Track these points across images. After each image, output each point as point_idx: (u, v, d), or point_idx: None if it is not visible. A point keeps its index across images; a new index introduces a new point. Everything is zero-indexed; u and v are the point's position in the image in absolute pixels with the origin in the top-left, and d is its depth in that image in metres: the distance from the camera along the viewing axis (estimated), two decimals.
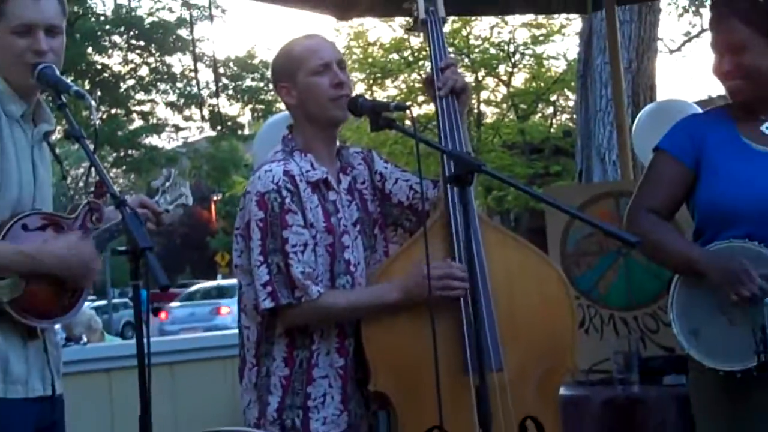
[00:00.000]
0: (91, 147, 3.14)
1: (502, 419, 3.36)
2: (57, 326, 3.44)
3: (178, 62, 28.33)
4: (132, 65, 28.00)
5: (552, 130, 26.10)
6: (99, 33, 26.62)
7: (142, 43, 27.59)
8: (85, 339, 6.55)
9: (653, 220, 3.62)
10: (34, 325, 3.18)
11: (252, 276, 3.41)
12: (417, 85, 26.27)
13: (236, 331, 4.80)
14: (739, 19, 3.48)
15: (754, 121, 3.59)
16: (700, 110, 5.85)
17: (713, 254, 3.46)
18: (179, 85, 28.30)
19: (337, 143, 3.65)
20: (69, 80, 3.25)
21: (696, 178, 3.61)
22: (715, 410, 3.56)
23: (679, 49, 26.48)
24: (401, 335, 3.38)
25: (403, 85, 26.45)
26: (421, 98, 25.25)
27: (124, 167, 28.95)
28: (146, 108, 28.50)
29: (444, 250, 3.40)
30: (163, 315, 28.85)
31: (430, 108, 25.89)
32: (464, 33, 25.12)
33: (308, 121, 3.53)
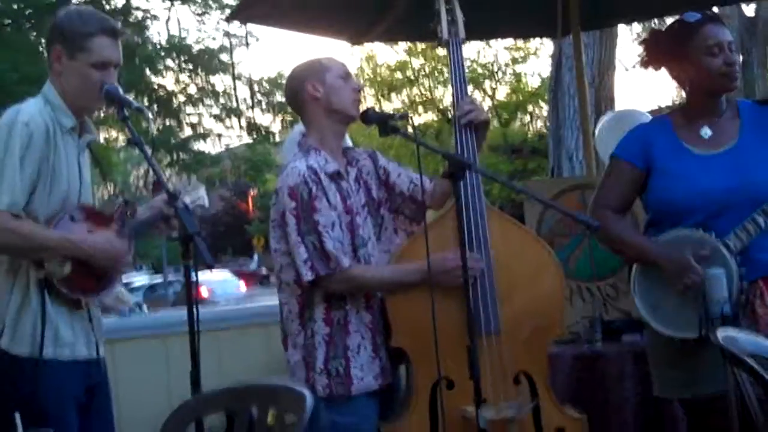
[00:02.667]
0: (149, 151, 3.17)
1: (499, 372, 3.42)
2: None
3: (220, 82, 28.29)
4: (182, 84, 27.96)
5: (529, 135, 26.15)
6: (155, 58, 26.61)
7: (190, 66, 27.54)
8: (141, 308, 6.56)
9: (611, 216, 3.61)
10: (78, 298, 3.21)
11: (290, 257, 3.43)
12: (417, 99, 26.35)
13: (268, 304, 4.76)
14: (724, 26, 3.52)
15: (695, 126, 3.57)
16: (650, 117, 5.85)
17: (663, 247, 3.46)
18: (221, 100, 28.27)
19: (343, 145, 3.67)
20: (131, 97, 3.26)
21: (647, 179, 3.60)
22: (669, 364, 3.56)
23: (633, 67, 26.45)
24: (416, 304, 3.36)
25: (406, 99, 26.56)
26: (420, 109, 25.34)
27: (176, 168, 28.98)
28: (194, 119, 28.46)
29: (454, 235, 3.38)
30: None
31: (428, 117, 26.03)
32: None
33: (327, 115, 3.54)
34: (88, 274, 3.21)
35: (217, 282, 28.12)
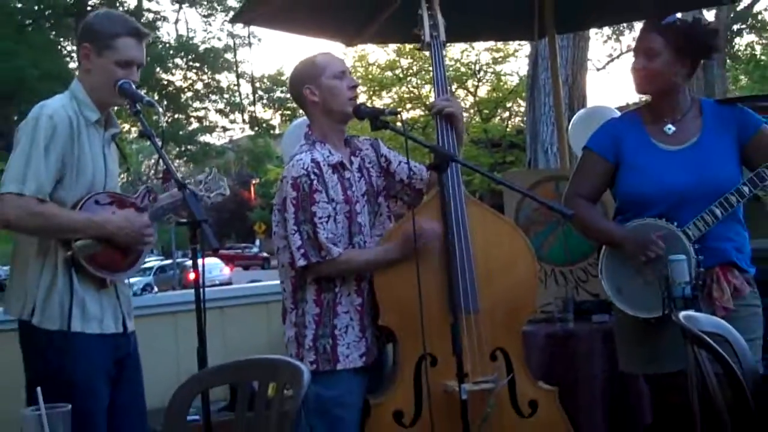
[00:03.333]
0: (159, 143, 3.20)
1: (477, 349, 3.43)
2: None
3: (225, 79, 28.37)
4: (189, 81, 28.00)
5: (508, 130, 26.08)
6: (165, 57, 26.58)
7: (197, 64, 27.58)
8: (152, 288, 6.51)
9: (584, 204, 3.63)
10: (104, 277, 3.22)
11: (287, 241, 3.44)
12: (405, 95, 26.33)
13: (270, 283, 4.75)
14: (659, 34, 3.48)
15: (660, 123, 3.58)
16: (619, 113, 5.85)
17: (628, 231, 3.47)
18: (226, 96, 28.31)
19: (345, 135, 3.67)
20: (142, 92, 3.28)
21: (616, 170, 3.61)
22: (634, 342, 3.57)
23: (604, 67, 26.59)
24: (402, 286, 3.38)
25: (395, 96, 26.53)
26: (408, 106, 25.32)
27: (184, 158, 29.00)
28: (201, 114, 28.54)
29: (438, 219, 3.39)
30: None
31: (415, 113, 25.99)
32: None
33: (326, 115, 3.55)
34: (115, 254, 3.23)
35: (205, 266, 28.17)
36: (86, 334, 3.16)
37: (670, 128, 3.55)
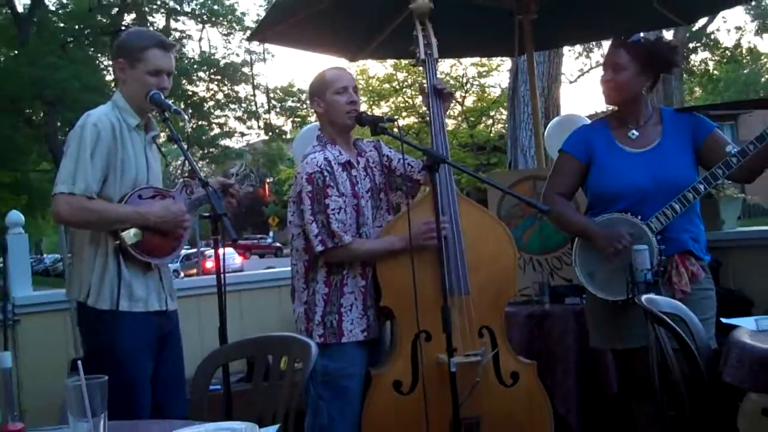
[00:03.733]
0: (185, 146, 3.21)
1: (467, 327, 3.44)
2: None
3: (243, 90, 28.28)
4: (212, 92, 27.95)
5: (491, 135, 26.11)
6: (190, 70, 26.56)
7: (218, 77, 27.53)
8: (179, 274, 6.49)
9: (559, 200, 3.63)
10: (149, 262, 3.23)
11: (302, 229, 3.47)
12: (401, 105, 26.35)
13: (282, 269, 4.72)
14: (625, 50, 3.48)
15: (624, 129, 3.57)
16: (589, 121, 5.84)
17: (599, 225, 3.47)
18: (243, 105, 28.27)
19: (352, 138, 3.69)
20: (170, 102, 3.29)
21: (587, 171, 3.60)
22: (602, 321, 3.57)
23: (576, 80, 26.60)
24: (401, 271, 3.39)
25: (392, 105, 26.55)
26: (404, 114, 25.32)
27: (207, 160, 28.99)
28: (222, 121, 28.46)
29: (431, 213, 3.39)
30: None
31: (410, 120, 25.98)
32: None
33: (330, 125, 3.59)
34: (157, 241, 3.25)
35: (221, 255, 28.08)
36: (133, 312, 3.19)
37: (634, 133, 3.55)
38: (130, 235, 3.16)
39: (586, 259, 3.51)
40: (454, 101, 26.25)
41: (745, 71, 39.38)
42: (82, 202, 3.09)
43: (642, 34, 3.62)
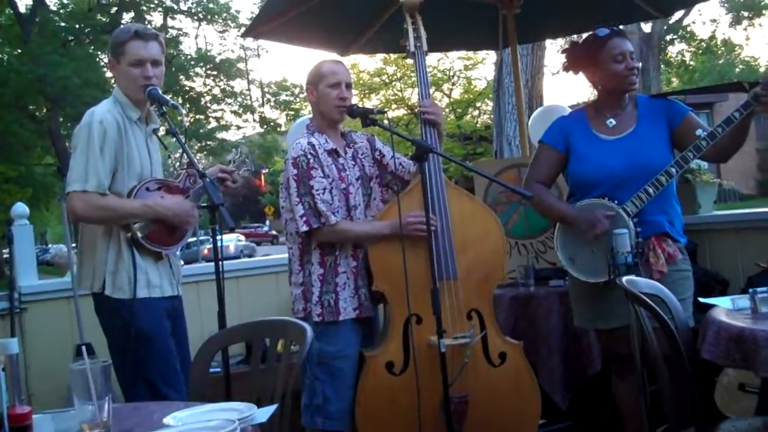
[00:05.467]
0: (183, 139, 3.21)
1: (456, 310, 3.45)
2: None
3: (238, 85, 28.17)
4: (208, 87, 27.82)
5: (478, 125, 26.09)
6: (187, 66, 26.45)
7: (214, 72, 27.40)
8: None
9: (540, 188, 3.63)
10: (159, 251, 3.26)
11: (292, 213, 3.47)
12: (391, 98, 26.32)
13: (278, 256, 4.72)
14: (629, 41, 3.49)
15: (602, 117, 3.58)
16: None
17: (578, 210, 3.47)
18: (239, 99, 28.16)
19: (341, 130, 3.69)
20: (168, 97, 3.28)
21: (566, 159, 3.61)
22: (585, 302, 3.58)
23: (558, 72, 26.55)
24: (392, 257, 3.41)
25: (382, 98, 26.52)
26: (394, 106, 25.31)
27: (204, 152, 28.89)
28: (218, 114, 28.34)
29: (420, 202, 3.40)
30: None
31: (400, 112, 25.96)
32: None
33: (320, 115, 3.60)
34: (165, 232, 3.27)
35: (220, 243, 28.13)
36: (151, 298, 3.22)
37: (612, 122, 3.55)
38: (140, 227, 3.19)
39: (566, 243, 3.52)
40: (441, 94, 26.32)
41: (719, 62, 39.45)
42: (96, 199, 3.10)
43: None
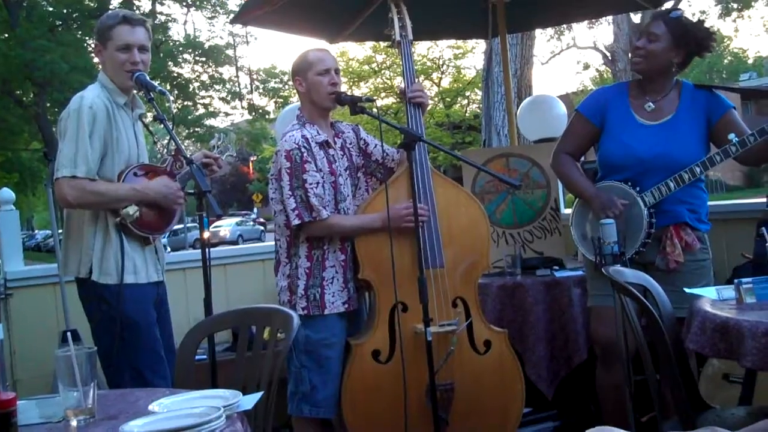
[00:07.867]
0: (171, 126, 3.21)
1: (442, 298, 3.45)
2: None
3: (227, 71, 28.04)
4: (197, 73, 27.69)
5: (466, 115, 26.15)
6: (175, 52, 26.32)
7: (203, 59, 27.27)
8: (166, 248, 6.43)
9: (566, 160, 3.67)
10: (147, 236, 3.27)
11: (283, 205, 3.45)
12: (380, 86, 26.28)
13: (266, 244, 4.70)
14: (664, 23, 3.45)
15: (642, 99, 3.56)
16: (561, 103, 5.85)
17: (597, 190, 3.51)
18: (227, 86, 28.03)
19: (330, 119, 3.66)
20: (156, 83, 3.27)
21: (599, 134, 3.61)
22: (596, 281, 3.57)
23: (547, 62, 26.62)
24: (379, 245, 3.41)
25: (371, 86, 26.51)
26: (383, 94, 25.28)
27: (192, 139, 28.80)
28: (206, 101, 28.22)
29: (407, 191, 3.42)
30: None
31: (388, 101, 25.93)
32: None
33: (310, 104, 3.57)
34: (154, 216, 3.27)
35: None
36: (138, 284, 3.22)
37: (651, 105, 3.53)
38: (129, 212, 3.18)
39: (580, 221, 3.59)
40: (431, 83, 26.30)
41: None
42: (86, 185, 3.10)
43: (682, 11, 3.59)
